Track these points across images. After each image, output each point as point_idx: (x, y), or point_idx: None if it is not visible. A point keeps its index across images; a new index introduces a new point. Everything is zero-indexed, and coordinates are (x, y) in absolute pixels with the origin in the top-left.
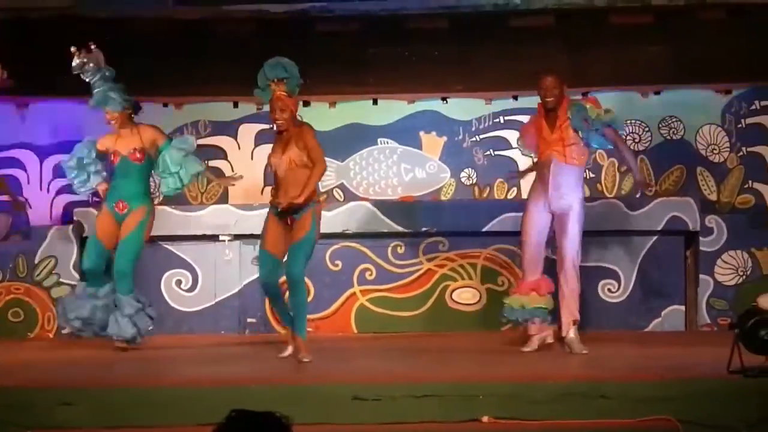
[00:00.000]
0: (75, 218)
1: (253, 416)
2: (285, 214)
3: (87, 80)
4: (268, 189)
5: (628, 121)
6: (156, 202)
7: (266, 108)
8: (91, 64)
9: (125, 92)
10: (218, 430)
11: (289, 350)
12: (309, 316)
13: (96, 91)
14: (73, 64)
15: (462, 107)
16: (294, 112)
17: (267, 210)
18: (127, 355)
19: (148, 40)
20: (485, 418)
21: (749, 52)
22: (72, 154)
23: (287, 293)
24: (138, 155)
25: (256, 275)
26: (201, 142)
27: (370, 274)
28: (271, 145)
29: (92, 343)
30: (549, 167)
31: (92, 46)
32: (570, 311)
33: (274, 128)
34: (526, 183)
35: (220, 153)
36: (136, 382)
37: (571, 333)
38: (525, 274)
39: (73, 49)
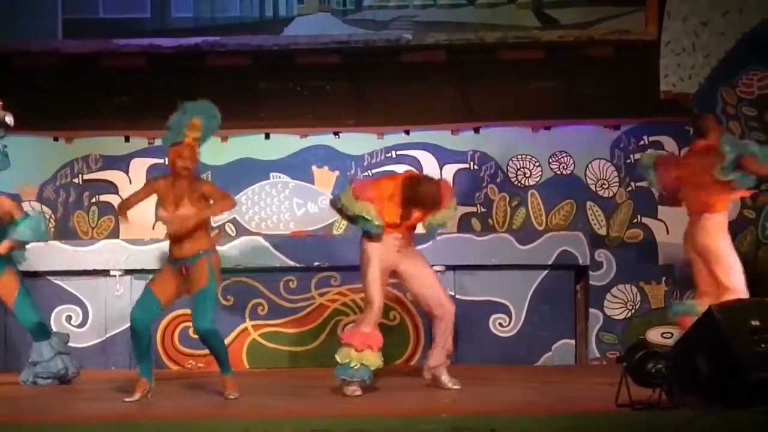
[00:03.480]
0: None
1: None
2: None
3: None
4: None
5: (519, 157)
6: None
7: (158, 142)
8: None
9: None
10: None
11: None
12: (200, 352)
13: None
14: None
15: (354, 142)
16: (197, 162)
17: (159, 245)
18: (13, 392)
19: (38, 73)
20: None
21: (637, 89)
22: None
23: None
24: None
25: None
26: (92, 176)
27: (262, 309)
28: None
29: None
30: None
31: None
32: None
33: (171, 174)
34: None
35: (112, 187)
36: (21, 418)
37: None
38: None
39: None
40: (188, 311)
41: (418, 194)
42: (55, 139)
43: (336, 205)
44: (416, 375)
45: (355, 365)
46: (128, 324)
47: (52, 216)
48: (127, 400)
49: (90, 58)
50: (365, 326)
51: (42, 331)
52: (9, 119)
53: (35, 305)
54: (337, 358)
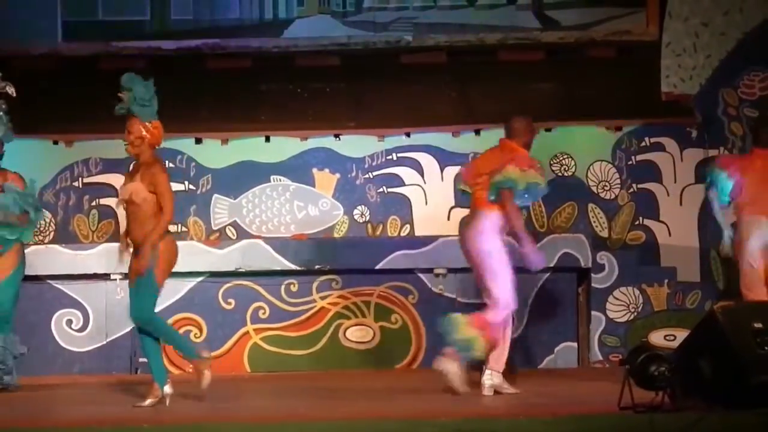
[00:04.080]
0: None
1: None
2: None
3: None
4: None
5: None
6: None
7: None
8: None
9: None
10: None
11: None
12: None
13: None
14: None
15: (354, 144)
16: (143, 139)
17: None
18: (14, 395)
19: (37, 76)
20: None
21: (638, 90)
22: None
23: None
24: None
25: None
26: (92, 179)
27: (264, 313)
28: None
29: None
30: None
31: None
32: None
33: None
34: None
35: (111, 191)
36: (21, 422)
37: None
38: None
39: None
40: (189, 315)
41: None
42: (55, 143)
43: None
44: (419, 378)
45: (480, 354)
46: (129, 328)
47: (52, 220)
48: (137, 405)
49: (90, 61)
50: (494, 317)
51: (5, 324)
52: (10, 89)
53: (17, 296)
54: (466, 339)
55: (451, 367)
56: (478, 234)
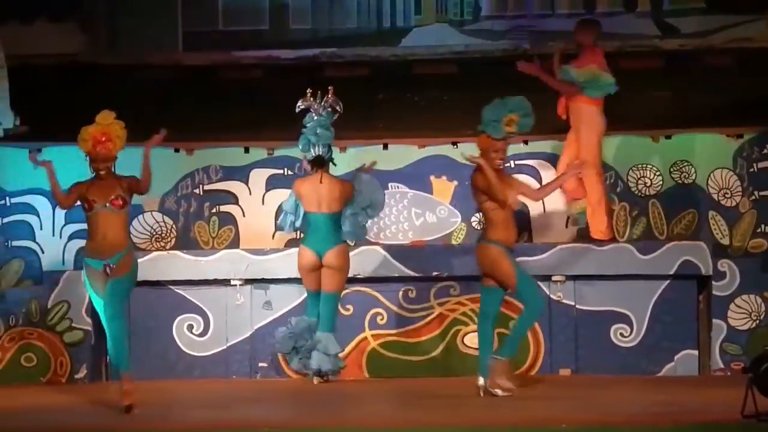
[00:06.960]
0: None
1: None
2: None
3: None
4: (279, 234)
5: (639, 166)
6: None
7: (277, 153)
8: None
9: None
10: None
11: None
12: None
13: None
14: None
15: (472, 152)
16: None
17: (279, 254)
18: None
19: (158, 85)
20: None
21: (759, 97)
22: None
23: None
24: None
25: (268, 319)
26: (212, 186)
27: (382, 319)
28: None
29: (104, 387)
30: None
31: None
32: None
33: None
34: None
35: (231, 198)
36: (146, 426)
37: None
38: None
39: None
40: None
41: None
42: (176, 150)
43: None
44: (537, 385)
45: None
46: (249, 333)
47: (174, 226)
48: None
49: (209, 70)
50: None
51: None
52: (339, 107)
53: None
54: None
55: None
56: None
